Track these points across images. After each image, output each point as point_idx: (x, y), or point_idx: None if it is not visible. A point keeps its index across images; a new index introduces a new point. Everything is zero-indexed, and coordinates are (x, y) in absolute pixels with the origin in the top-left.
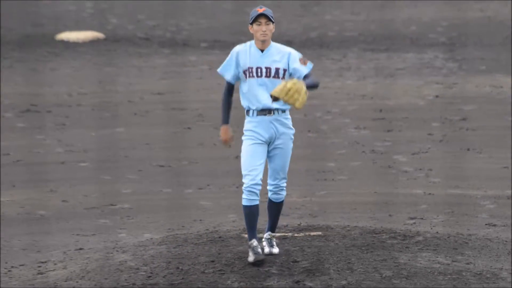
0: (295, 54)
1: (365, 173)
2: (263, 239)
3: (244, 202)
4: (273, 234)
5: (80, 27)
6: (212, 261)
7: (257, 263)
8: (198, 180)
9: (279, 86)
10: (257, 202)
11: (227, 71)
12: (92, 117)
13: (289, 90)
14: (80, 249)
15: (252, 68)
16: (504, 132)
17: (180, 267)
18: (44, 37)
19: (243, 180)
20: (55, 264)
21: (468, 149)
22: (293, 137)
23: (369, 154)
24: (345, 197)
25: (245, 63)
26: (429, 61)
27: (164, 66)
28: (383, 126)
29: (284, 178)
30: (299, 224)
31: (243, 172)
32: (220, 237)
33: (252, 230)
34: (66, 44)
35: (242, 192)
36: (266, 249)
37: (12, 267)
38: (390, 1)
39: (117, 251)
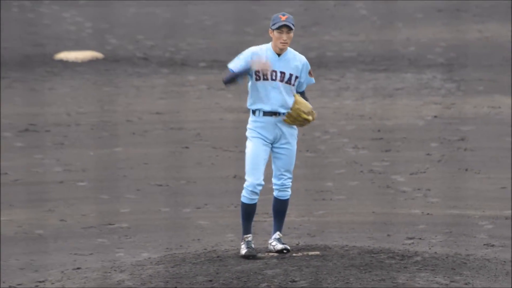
0: (308, 65)
1: (363, 193)
2: (272, 239)
3: (244, 200)
4: (281, 234)
5: (79, 47)
6: (210, 281)
7: (249, 257)
8: (196, 200)
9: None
10: (256, 201)
11: (238, 65)
12: (90, 136)
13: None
14: (78, 268)
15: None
16: (503, 152)
17: (178, 287)
18: (43, 56)
19: (246, 178)
20: (53, 283)
21: (467, 170)
22: (297, 137)
23: (367, 174)
24: (343, 217)
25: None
26: (427, 81)
27: (163, 86)
28: (382, 146)
29: (289, 178)
30: (297, 244)
31: (247, 171)
32: (218, 257)
33: (248, 225)
34: (65, 63)
35: (243, 189)
36: (279, 246)
37: (9, 286)
38: (388, 22)
39: (115, 270)
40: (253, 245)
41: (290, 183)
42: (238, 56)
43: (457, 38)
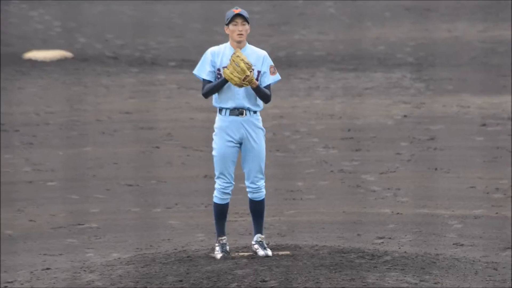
0: (268, 59)
1: (334, 192)
2: (254, 243)
3: (216, 200)
4: (262, 236)
5: (48, 46)
6: (180, 281)
7: (223, 260)
8: (166, 199)
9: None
10: (228, 201)
11: (202, 71)
12: (60, 136)
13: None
14: (47, 269)
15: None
16: (472, 151)
17: (148, 287)
18: (12, 56)
19: (216, 180)
20: (22, 284)
21: (436, 169)
22: (264, 136)
23: (337, 174)
24: (313, 216)
25: (220, 63)
26: (397, 80)
27: (132, 85)
28: (351, 145)
29: (261, 179)
30: (267, 244)
31: (216, 173)
32: (188, 257)
33: (221, 226)
34: (34, 63)
35: (214, 189)
36: (261, 252)
37: None
38: (357, 21)
39: (84, 271)
40: (228, 248)
41: (263, 184)
42: (201, 61)
43: (426, 37)
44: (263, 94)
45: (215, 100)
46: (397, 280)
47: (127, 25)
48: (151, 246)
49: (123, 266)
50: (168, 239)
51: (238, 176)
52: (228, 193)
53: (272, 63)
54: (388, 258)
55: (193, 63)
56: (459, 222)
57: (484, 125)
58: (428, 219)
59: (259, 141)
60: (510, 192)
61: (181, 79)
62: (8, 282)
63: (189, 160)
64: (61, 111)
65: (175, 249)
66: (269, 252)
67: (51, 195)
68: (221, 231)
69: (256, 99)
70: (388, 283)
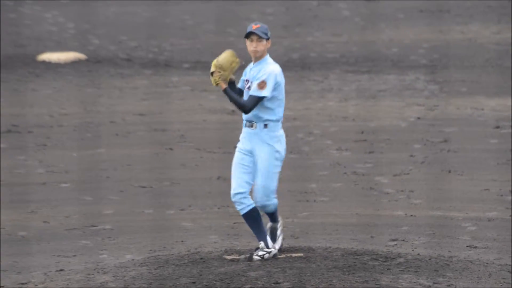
0: (265, 76)
1: (347, 194)
2: (267, 228)
3: (240, 212)
4: (275, 224)
5: (62, 47)
6: (193, 283)
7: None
8: (179, 201)
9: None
10: (246, 210)
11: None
12: (73, 137)
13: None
14: (61, 270)
15: (246, 80)
16: (485, 154)
17: None
18: (26, 57)
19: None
20: (36, 285)
21: (450, 171)
22: (275, 154)
23: (351, 176)
24: (326, 218)
25: (247, 75)
26: (410, 83)
27: (146, 87)
28: (365, 147)
29: (266, 196)
30: (281, 245)
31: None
32: (201, 258)
33: (258, 232)
34: (48, 64)
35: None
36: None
37: None
38: (371, 23)
39: (98, 272)
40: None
41: (268, 204)
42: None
43: (439, 39)
44: (230, 98)
45: None
46: (411, 282)
47: (140, 26)
48: (164, 247)
49: (137, 267)
50: (182, 241)
51: None
52: (238, 203)
53: (267, 81)
54: (401, 260)
55: (206, 65)
56: (472, 224)
57: (498, 127)
58: (442, 222)
59: (263, 157)
60: None
61: (195, 81)
62: (22, 284)
63: (202, 162)
64: (74, 113)
65: (188, 250)
66: (277, 246)
67: (65, 196)
68: (259, 237)
69: (268, 112)
70: (402, 285)
